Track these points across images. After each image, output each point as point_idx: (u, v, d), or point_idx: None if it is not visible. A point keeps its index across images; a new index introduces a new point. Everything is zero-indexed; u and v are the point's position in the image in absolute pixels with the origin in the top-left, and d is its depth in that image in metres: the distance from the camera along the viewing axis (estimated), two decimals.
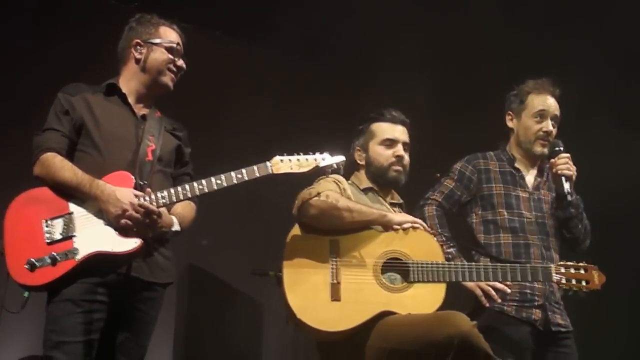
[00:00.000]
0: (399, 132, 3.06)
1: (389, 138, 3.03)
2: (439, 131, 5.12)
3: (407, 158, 3.05)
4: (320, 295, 2.64)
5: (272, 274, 4.32)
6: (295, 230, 2.77)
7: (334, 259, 2.70)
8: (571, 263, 2.84)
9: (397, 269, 2.72)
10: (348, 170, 3.09)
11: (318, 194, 2.74)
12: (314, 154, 2.75)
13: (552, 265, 2.84)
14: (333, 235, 2.74)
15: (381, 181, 3.04)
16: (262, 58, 5.42)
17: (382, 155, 3.03)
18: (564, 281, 2.80)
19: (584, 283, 2.80)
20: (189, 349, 5.10)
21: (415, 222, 2.81)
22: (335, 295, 2.65)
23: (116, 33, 2.97)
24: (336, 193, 2.81)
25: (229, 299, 5.29)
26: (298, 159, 2.72)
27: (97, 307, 2.58)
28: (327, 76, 5.70)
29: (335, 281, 2.67)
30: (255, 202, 4.80)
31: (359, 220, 2.75)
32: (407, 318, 2.58)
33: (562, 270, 2.82)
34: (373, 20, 5.01)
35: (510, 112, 3.40)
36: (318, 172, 2.75)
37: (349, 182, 3.03)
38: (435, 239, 2.83)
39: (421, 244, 2.75)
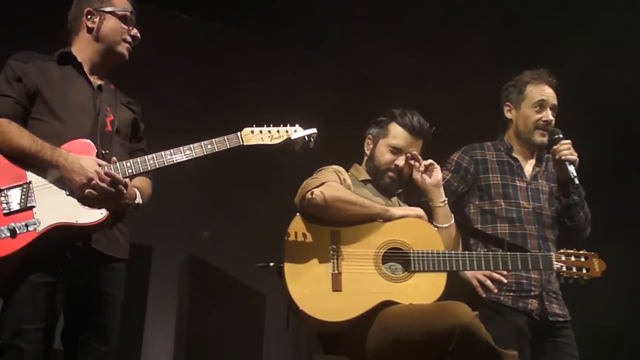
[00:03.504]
0: (409, 143, 2.97)
1: (397, 147, 2.97)
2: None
3: (407, 171, 2.99)
4: (322, 285, 2.65)
5: (272, 265, 4.32)
6: (296, 221, 2.77)
7: (335, 250, 2.71)
8: (571, 251, 2.86)
9: (398, 258, 2.72)
10: (345, 158, 3.08)
11: (322, 184, 2.75)
12: (285, 125, 2.68)
13: (552, 254, 2.86)
14: (334, 225, 2.75)
15: (374, 180, 3.02)
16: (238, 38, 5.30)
17: (384, 157, 2.98)
18: (564, 269, 2.81)
19: (584, 271, 2.81)
20: (190, 339, 5.12)
21: (417, 217, 2.80)
22: (337, 286, 2.65)
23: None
24: (338, 184, 2.81)
25: (229, 290, 5.31)
26: (269, 131, 2.63)
27: (56, 289, 2.45)
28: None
29: (336, 271, 2.67)
30: (256, 193, 4.81)
31: (361, 213, 2.75)
32: (408, 308, 2.59)
33: (563, 258, 2.83)
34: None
35: (508, 103, 3.39)
36: (289, 144, 2.67)
37: (349, 173, 3.02)
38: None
39: (421, 233, 2.76)
